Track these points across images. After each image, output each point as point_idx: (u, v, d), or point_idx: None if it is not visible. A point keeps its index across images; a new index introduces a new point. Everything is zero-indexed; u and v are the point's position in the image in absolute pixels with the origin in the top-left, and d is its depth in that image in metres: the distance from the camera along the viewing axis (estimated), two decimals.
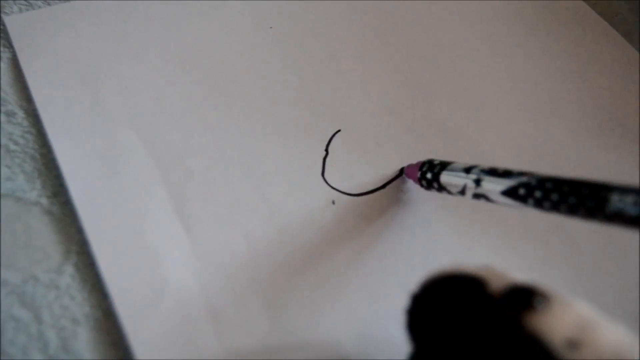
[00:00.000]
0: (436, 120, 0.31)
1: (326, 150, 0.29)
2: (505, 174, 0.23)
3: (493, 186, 0.23)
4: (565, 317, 0.17)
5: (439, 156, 0.28)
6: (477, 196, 0.24)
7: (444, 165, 0.26)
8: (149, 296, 0.24)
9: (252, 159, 0.29)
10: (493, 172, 0.23)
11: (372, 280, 0.26)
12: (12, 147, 0.27)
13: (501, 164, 0.25)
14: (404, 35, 0.34)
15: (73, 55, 0.30)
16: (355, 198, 0.28)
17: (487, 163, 0.25)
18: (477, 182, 0.24)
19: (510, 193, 0.22)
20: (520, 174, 0.22)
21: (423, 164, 0.27)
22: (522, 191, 0.22)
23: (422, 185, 0.27)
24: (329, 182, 0.28)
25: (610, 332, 0.16)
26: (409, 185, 0.29)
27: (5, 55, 0.30)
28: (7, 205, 0.26)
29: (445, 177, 0.25)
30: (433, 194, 0.28)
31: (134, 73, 0.30)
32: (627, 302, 0.27)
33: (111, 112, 0.29)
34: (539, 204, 0.21)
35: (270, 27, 0.33)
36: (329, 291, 0.25)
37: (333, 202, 0.28)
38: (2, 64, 0.30)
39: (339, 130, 0.30)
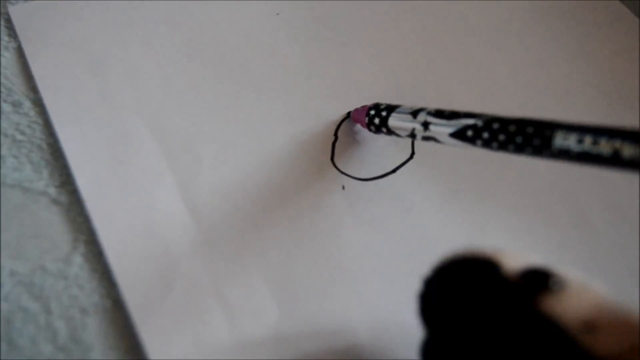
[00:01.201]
0: (446, 104, 0.30)
1: (335, 135, 0.29)
2: (453, 115, 0.23)
3: (441, 129, 0.23)
4: (581, 299, 0.16)
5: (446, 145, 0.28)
6: (426, 138, 0.24)
7: (391, 109, 0.26)
8: (158, 285, 0.24)
9: (261, 145, 0.28)
10: (440, 115, 0.23)
11: (384, 265, 0.25)
12: (19, 137, 0.27)
13: None
14: (413, 20, 0.33)
15: (78, 44, 0.30)
16: (365, 182, 0.28)
17: None
18: (425, 125, 0.24)
19: (458, 135, 0.22)
20: (467, 115, 0.22)
21: (370, 108, 0.27)
22: (469, 133, 0.22)
23: (370, 130, 0.27)
24: (339, 166, 0.28)
25: (626, 315, 0.16)
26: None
27: (11, 45, 0.30)
28: (15, 196, 0.26)
29: (393, 121, 0.25)
30: (445, 176, 0.27)
31: (141, 61, 0.30)
32: None
33: (118, 101, 0.29)
34: (487, 144, 0.22)
35: (277, 14, 0.33)
36: (340, 278, 0.25)
37: (343, 187, 0.27)
38: (7, 54, 0.30)
39: (348, 115, 0.29)
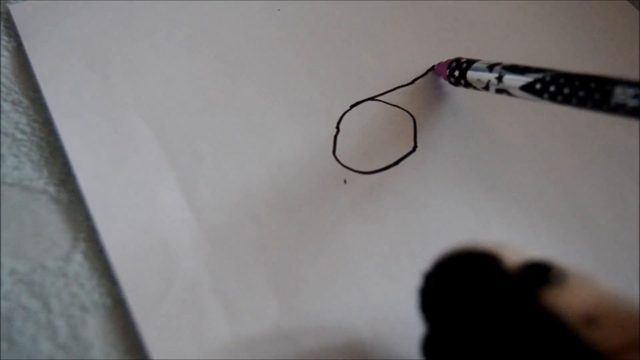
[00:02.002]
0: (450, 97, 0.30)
1: (337, 127, 0.29)
2: (525, 70, 0.25)
3: (513, 82, 0.25)
4: (582, 292, 0.16)
5: (449, 138, 0.27)
6: (499, 91, 0.26)
7: (470, 63, 0.28)
8: (159, 283, 0.24)
9: (262, 141, 0.28)
10: (513, 69, 0.25)
11: (386, 261, 0.25)
12: (19, 135, 0.27)
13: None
14: (413, 17, 0.33)
15: (79, 42, 0.30)
16: (367, 176, 0.27)
17: None
18: (499, 78, 0.26)
19: (527, 88, 0.24)
20: (538, 70, 0.24)
21: (451, 61, 0.29)
22: (538, 86, 0.24)
23: (450, 82, 0.29)
24: (341, 160, 0.28)
25: (628, 308, 0.15)
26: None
27: (11, 44, 0.30)
28: (14, 194, 0.26)
29: (471, 74, 0.27)
30: (448, 172, 0.27)
31: (141, 58, 0.30)
32: None
33: (118, 98, 0.29)
34: (552, 98, 0.23)
35: (278, 10, 0.33)
36: (342, 274, 0.25)
37: (345, 182, 0.27)
38: (7, 54, 0.30)
39: (351, 108, 0.29)
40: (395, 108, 0.29)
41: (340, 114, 0.29)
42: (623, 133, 0.29)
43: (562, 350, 0.15)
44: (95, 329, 0.23)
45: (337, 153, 0.28)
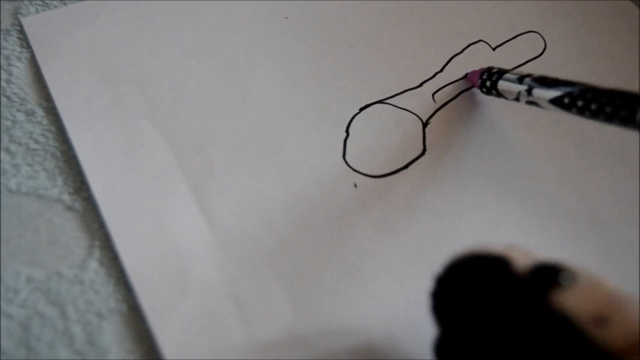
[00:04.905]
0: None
1: (347, 131, 0.29)
2: (553, 83, 0.25)
3: (542, 94, 0.25)
4: (592, 294, 0.16)
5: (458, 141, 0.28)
6: (529, 103, 0.26)
7: (501, 74, 0.28)
8: (173, 289, 0.24)
9: (272, 146, 0.28)
10: (542, 82, 0.25)
11: (397, 264, 0.25)
12: (33, 145, 0.28)
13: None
14: (422, 18, 0.33)
15: (90, 53, 0.31)
16: (378, 180, 0.27)
17: None
18: (529, 90, 0.26)
19: (556, 102, 0.25)
20: (567, 83, 0.25)
21: (483, 71, 0.29)
22: (566, 100, 0.24)
23: (482, 91, 0.29)
24: (351, 164, 0.28)
25: (638, 308, 0.15)
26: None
27: (24, 55, 0.30)
28: (30, 203, 0.26)
29: (502, 84, 0.28)
30: (459, 174, 0.27)
31: (151, 67, 0.30)
32: None
33: (129, 107, 0.29)
34: (580, 112, 0.24)
35: (286, 17, 0.33)
36: (354, 277, 0.25)
37: (355, 186, 0.27)
38: (20, 65, 0.30)
39: (360, 111, 0.29)
40: (404, 111, 0.30)
41: (349, 118, 0.29)
42: (633, 134, 0.29)
43: (574, 351, 0.15)
44: (111, 335, 0.23)
45: (347, 157, 0.28)
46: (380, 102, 0.30)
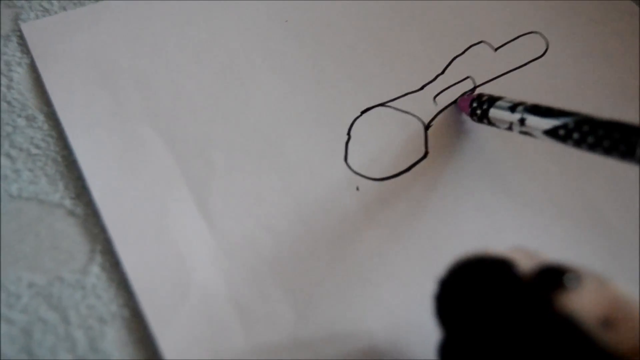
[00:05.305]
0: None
1: (348, 134, 0.29)
2: (547, 112, 0.24)
3: (536, 124, 0.24)
4: (598, 295, 0.16)
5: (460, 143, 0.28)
6: (523, 133, 0.25)
7: (492, 102, 0.27)
8: (175, 293, 0.24)
9: (274, 149, 0.28)
10: (536, 111, 0.24)
11: (400, 267, 0.25)
12: (34, 150, 0.28)
13: None
14: (420, 22, 0.33)
15: (90, 57, 0.31)
16: (380, 183, 0.27)
17: None
18: (522, 121, 0.25)
19: (551, 133, 0.24)
20: (561, 113, 0.23)
21: (472, 99, 0.28)
22: (561, 132, 0.23)
23: (473, 119, 0.28)
24: (353, 167, 0.28)
25: None
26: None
27: (24, 61, 0.30)
28: (31, 208, 0.26)
29: (493, 113, 0.27)
30: (459, 176, 0.27)
31: (151, 71, 0.30)
32: None
33: (130, 112, 0.29)
34: (577, 145, 0.23)
35: (286, 21, 0.33)
36: (356, 281, 0.25)
37: (357, 189, 0.27)
38: (20, 70, 0.30)
39: (361, 114, 0.29)
40: (406, 114, 0.30)
41: (351, 121, 0.29)
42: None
43: (580, 355, 0.15)
44: (113, 340, 0.23)
45: (348, 160, 0.28)
46: (382, 104, 0.30)
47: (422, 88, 0.30)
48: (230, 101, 0.30)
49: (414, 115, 0.30)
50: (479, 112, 0.27)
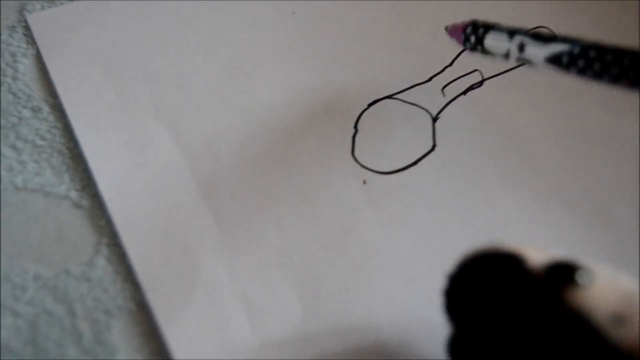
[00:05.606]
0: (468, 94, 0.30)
1: (355, 127, 0.29)
2: (550, 39, 0.23)
3: (537, 52, 0.23)
4: (609, 291, 0.16)
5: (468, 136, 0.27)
6: (520, 60, 0.24)
7: (488, 28, 0.25)
8: (181, 286, 0.24)
9: (280, 142, 0.28)
10: (537, 37, 0.23)
11: (408, 261, 0.25)
12: (39, 142, 0.28)
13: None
14: (429, 12, 0.33)
15: (96, 49, 0.30)
16: (387, 176, 0.27)
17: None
18: (521, 47, 0.23)
19: (553, 60, 0.22)
20: (565, 40, 0.22)
21: (466, 25, 0.26)
22: (565, 59, 0.22)
23: (465, 47, 0.27)
24: (360, 160, 0.28)
25: None
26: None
27: (29, 52, 0.30)
28: (37, 200, 0.26)
29: (489, 41, 0.25)
30: (467, 167, 0.27)
31: (157, 63, 0.30)
32: None
33: (136, 104, 0.29)
34: (581, 73, 0.21)
35: (293, 13, 0.33)
36: (364, 275, 0.25)
37: (364, 182, 0.27)
38: (26, 61, 0.30)
39: (368, 107, 0.29)
40: (414, 106, 0.29)
41: (358, 114, 0.29)
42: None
43: (591, 351, 0.15)
44: (119, 333, 0.23)
45: (355, 153, 0.28)
46: (389, 97, 0.30)
47: (429, 80, 0.30)
48: (237, 94, 0.29)
49: (421, 108, 0.29)
50: (473, 38, 0.26)
